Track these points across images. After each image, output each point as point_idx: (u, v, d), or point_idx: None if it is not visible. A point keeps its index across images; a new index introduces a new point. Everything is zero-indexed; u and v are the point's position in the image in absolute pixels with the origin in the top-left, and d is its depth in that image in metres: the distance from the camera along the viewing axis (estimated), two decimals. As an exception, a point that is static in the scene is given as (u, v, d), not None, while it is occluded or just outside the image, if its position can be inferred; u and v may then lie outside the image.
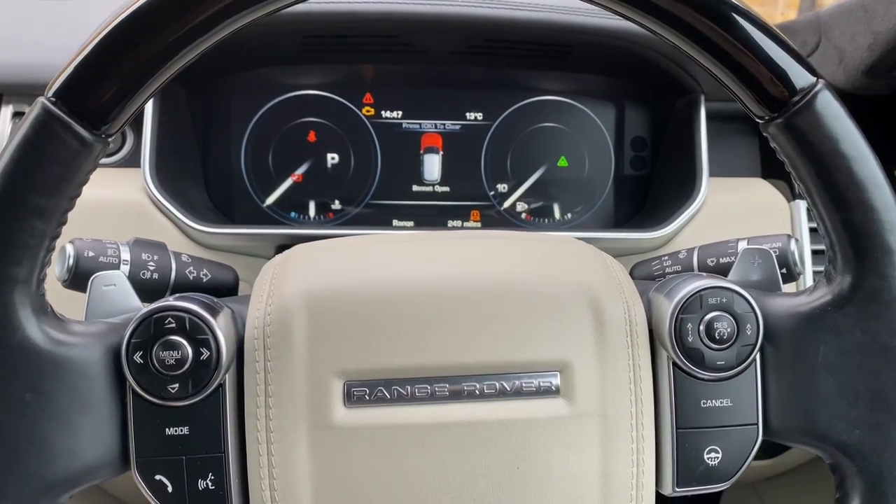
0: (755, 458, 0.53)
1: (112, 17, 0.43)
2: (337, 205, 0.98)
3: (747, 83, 0.47)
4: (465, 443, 0.50)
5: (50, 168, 0.43)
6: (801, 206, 0.91)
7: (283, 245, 0.83)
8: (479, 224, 1.00)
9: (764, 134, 0.50)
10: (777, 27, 1.05)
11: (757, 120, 0.49)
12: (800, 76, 0.47)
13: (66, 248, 0.60)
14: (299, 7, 0.82)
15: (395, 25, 0.87)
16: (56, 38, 0.90)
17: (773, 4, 4.35)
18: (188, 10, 0.42)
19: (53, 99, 0.43)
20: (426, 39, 0.91)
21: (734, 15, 0.45)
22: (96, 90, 0.43)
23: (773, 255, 0.57)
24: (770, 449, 0.54)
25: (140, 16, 0.42)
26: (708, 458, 0.52)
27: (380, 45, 0.92)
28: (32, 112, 0.43)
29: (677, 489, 0.52)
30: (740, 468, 0.53)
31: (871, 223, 0.47)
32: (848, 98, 0.92)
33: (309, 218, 0.98)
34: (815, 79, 0.47)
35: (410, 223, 0.99)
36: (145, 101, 0.45)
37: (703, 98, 0.93)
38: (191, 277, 0.65)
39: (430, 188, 0.99)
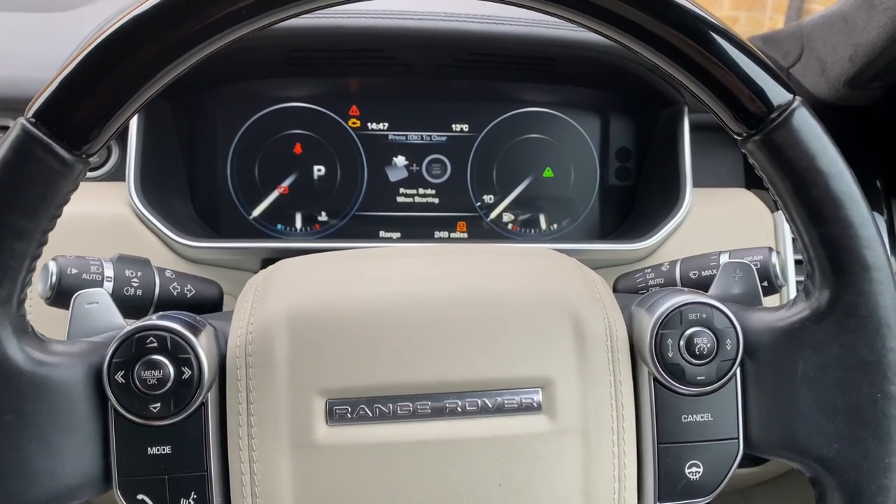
0: (742, 465, 0.53)
1: (91, 37, 0.43)
2: (323, 217, 0.98)
3: (725, 100, 0.47)
4: (448, 460, 0.50)
5: (30, 189, 0.43)
6: (785, 216, 0.91)
7: (269, 259, 0.83)
8: (465, 235, 1.01)
9: (742, 150, 0.50)
10: (761, 37, 1.06)
11: (735, 136, 0.50)
12: (777, 93, 0.47)
13: (48, 265, 0.60)
14: (285, 22, 0.82)
15: (379, 40, 0.87)
16: (42, 52, 0.89)
17: (762, 9, 4.37)
18: (167, 29, 0.42)
19: (33, 120, 0.42)
20: (411, 53, 0.91)
21: (711, 33, 0.46)
22: (77, 111, 0.43)
23: (754, 268, 0.58)
24: (757, 456, 0.55)
25: (119, 36, 0.42)
26: (689, 473, 0.52)
27: (365, 58, 0.92)
28: (12, 133, 0.43)
29: None
30: (722, 482, 0.53)
31: (848, 239, 0.48)
32: (830, 109, 0.93)
33: (295, 230, 0.98)
34: (791, 96, 0.47)
35: (397, 234, 0.99)
36: (127, 121, 0.45)
37: (686, 109, 0.93)
38: (175, 293, 0.65)
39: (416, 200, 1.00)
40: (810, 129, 0.47)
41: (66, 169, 0.43)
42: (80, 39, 0.87)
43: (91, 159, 0.45)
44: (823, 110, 0.46)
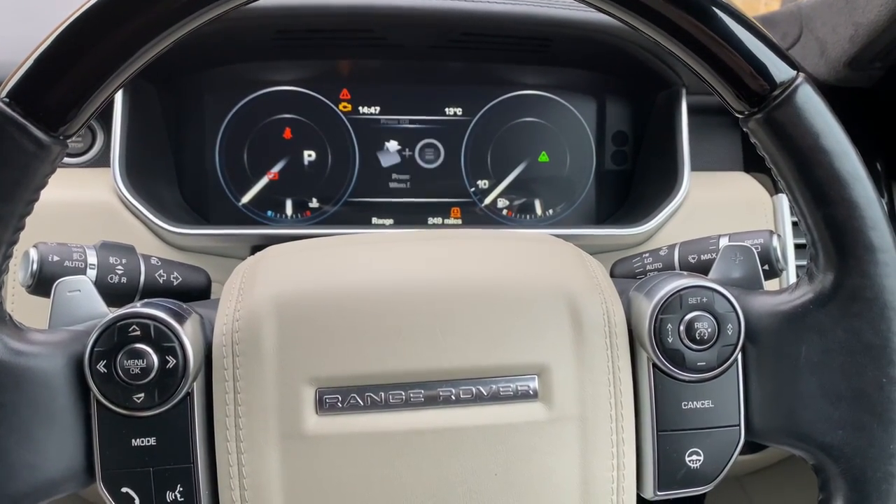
0: (741, 452, 0.52)
1: (68, 14, 0.42)
2: (314, 203, 0.97)
3: (726, 77, 0.46)
4: (442, 450, 0.49)
5: (4, 172, 0.42)
6: (784, 199, 0.90)
7: (259, 246, 0.81)
8: (459, 221, 0.99)
9: (744, 129, 0.49)
10: (758, 19, 1.04)
11: (736, 115, 0.49)
12: (780, 70, 0.46)
13: (29, 252, 0.58)
14: (270, 1, 0.81)
15: (369, 20, 0.85)
16: (16, 32, 0.87)
17: (756, -5, 4.35)
18: (146, 6, 0.41)
19: (7, 99, 0.41)
20: (402, 34, 0.89)
21: (713, 8, 0.44)
22: (53, 90, 0.42)
23: (755, 251, 0.56)
24: (755, 443, 0.54)
25: (96, 12, 0.41)
26: (689, 461, 0.51)
27: (354, 39, 0.90)
28: None
29: (659, 493, 0.51)
30: (723, 470, 0.52)
31: (853, 220, 0.46)
32: (829, 90, 0.92)
33: (286, 217, 0.96)
34: (795, 72, 0.46)
35: (390, 221, 0.98)
36: (105, 102, 0.44)
37: (684, 91, 0.92)
38: (161, 281, 0.64)
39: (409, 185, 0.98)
40: (814, 107, 0.46)
41: (43, 151, 0.42)
42: (59, 19, 0.85)
43: (69, 142, 0.44)
44: (823, 92, 0.45)
